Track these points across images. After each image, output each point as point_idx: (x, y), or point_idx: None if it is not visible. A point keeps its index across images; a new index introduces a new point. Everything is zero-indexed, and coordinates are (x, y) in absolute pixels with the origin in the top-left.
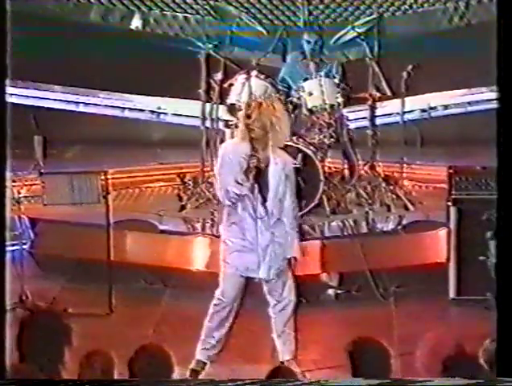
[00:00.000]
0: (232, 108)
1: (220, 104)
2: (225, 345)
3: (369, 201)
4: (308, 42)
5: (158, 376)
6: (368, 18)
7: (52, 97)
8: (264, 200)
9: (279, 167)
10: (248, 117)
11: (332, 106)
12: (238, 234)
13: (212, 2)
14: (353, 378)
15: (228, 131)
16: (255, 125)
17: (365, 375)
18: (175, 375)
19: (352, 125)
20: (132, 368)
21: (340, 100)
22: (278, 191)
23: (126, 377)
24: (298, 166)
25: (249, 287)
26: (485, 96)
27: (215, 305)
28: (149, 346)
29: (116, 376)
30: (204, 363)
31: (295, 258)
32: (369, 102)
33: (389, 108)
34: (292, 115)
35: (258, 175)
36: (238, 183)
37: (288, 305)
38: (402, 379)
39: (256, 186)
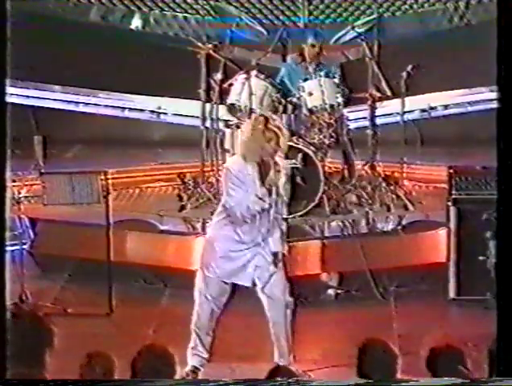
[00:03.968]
0: (232, 108)
1: (220, 104)
2: (223, 345)
3: (369, 201)
4: (313, 46)
5: (157, 376)
6: (368, 19)
7: (52, 97)
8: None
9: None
10: (252, 135)
11: (332, 106)
12: (229, 239)
13: (212, 2)
14: (353, 377)
15: (228, 131)
16: (257, 143)
17: (370, 374)
18: (174, 375)
19: (352, 125)
20: (134, 368)
21: (340, 100)
22: (280, 194)
23: (127, 377)
24: (298, 165)
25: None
26: (485, 96)
27: (198, 309)
28: (150, 346)
29: (117, 376)
30: (198, 369)
31: (283, 254)
32: (369, 102)
33: (389, 108)
34: (292, 115)
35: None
36: (260, 199)
37: (283, 306)
38: (402, 379)
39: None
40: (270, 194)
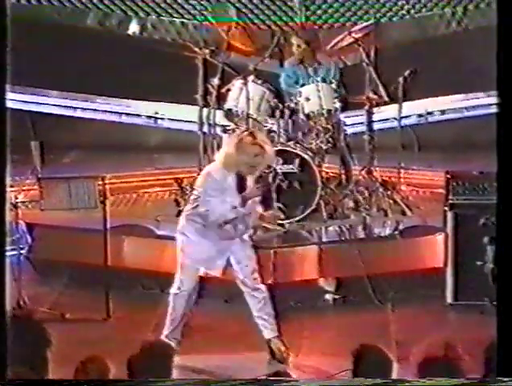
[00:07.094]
0: (229, 114)
1: (218, 109)
2: (220, 338)
3: (367, 206)
4: (298, 46)
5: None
6: (365, 24)
7: (50, 102)
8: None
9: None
10: (237, 149)
11: (329, 111)
12: (200, 228)
13: (209, 8)
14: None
15: (225, 136)
16: (244, 158)
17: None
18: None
19: (349, 130)
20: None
21: (337, 105)
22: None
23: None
24: (295, 171)
25: None
26: (482, 102)
27: (174, 296)
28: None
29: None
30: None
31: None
32: (367, 107)
33: (386, 114)
34: (290, 120)
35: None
36: (234, 208)
37: (262, 292)
38: (401, 380)
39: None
40: (244, 204)
